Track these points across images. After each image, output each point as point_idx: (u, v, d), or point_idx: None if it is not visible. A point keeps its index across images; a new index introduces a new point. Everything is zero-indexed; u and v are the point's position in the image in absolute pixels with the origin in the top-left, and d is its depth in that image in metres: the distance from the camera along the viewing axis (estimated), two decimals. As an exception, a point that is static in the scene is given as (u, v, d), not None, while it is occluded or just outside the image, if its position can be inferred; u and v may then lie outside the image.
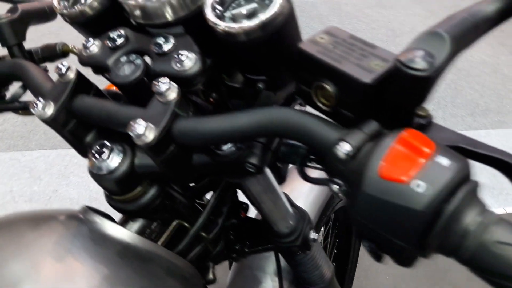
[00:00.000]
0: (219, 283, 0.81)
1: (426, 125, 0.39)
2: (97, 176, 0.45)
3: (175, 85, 0.41)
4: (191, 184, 0.56)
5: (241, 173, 0.44)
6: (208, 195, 0.60)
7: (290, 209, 0.63)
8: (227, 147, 0.44)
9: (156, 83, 0.41)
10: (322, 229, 1.25)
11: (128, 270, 0.43)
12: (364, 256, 1.80)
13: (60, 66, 0.47)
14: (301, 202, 0.91)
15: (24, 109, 0.62)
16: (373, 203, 0.29)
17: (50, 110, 0.45)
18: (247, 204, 0.65)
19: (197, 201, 0.60)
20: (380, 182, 0.29)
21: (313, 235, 0.65)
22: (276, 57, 0.43)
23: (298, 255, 0.69)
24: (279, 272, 0.76)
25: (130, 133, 0.39)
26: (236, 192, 0.62)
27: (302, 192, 0.96)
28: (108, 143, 0.46)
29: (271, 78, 0.45)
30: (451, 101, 2.90)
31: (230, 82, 0.49)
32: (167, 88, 0.40)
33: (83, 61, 0.48)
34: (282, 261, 0.77)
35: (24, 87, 0.59)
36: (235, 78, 0.49)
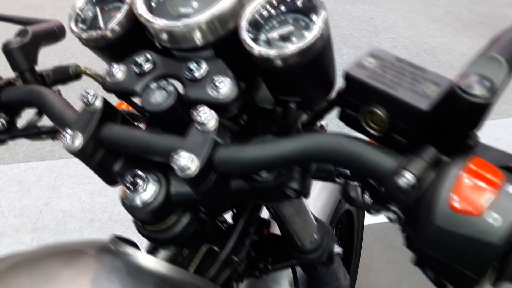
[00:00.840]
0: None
1: (473, 146, 0.39)
2: (131, 207, 0.44)
3: (214, 113, 0.40)
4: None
5: (279, 198, 0.44)
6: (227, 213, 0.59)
7: (315, 224, 0.62)
8: (266, 173, 0.43)
9: (195, 112, 0.40)
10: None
11: None
12: (363, 255, 1.81)
13: (86, 95, 0.45)
14: (311, 209, 0.91)
15: (37, 135, 0.60)
16: (443, 236, 0.29)
17: (78, 141, 0.44)
18: (269, 221, 0.64)
19: (219, 219, 0.59)
20: (451, 215, 0.28)
21: (337, 249, 0.65)
22: (311, 81, 0.43)
23: (320, 269, 0.69)
24: (296, 286, 0.76)
25: (173, 166, 0.38)
26: (260, 210, 0.61)
27: (310, 202, 0.95)
28: (142, 173, 0.45)
29: (304, 99, 0.45)
30: (436, 96, 2.95)
31: (261, 104, 0.48)
32: (208, 117, 0.39)
33: (108, 88, 0.47)
34: (298, 273, 0.76)
35: (39, 113, 0.57)
36: (266, 99, 0.48)
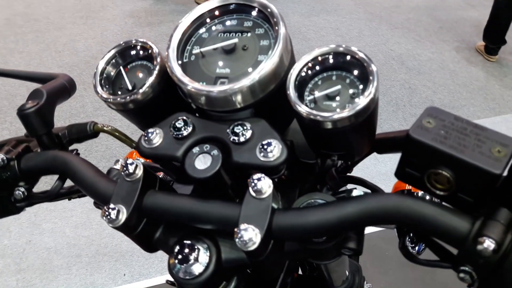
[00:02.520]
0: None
1: None
2: (183, 280, 0.42)
3: (269, 179, 0.39)
4: None
5: (335, 257, 0.43)
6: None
7: (347, 262, 0.63)
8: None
9: (250, 180, 0.39)
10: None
11: None
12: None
13: (127, 165, 0.44)
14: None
15: (57, 197, 0.57)
16: None
17: (123, 216, 0.42)
18: (297, 264, 0.64)
19: None
20: None
21: (366, 286, 0.65)
22: (358, 138, 0.43)
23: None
24: None
25: (237, 240, 0.37)
26: None
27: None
28: (191, 243, 0.43)
29: (348, 153, 0.45)
30: (408, 101, 3.04)
31: (304, 159, 0.48)
32: (264, 185, 0.39)
33: (145, 154, 0.45)
34: None
35: (63, 179, 0.54)
36: (308, 153, 0.48)
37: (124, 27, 3.57)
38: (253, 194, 0.39)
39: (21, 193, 0.53)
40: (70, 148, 0.60)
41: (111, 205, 0.42)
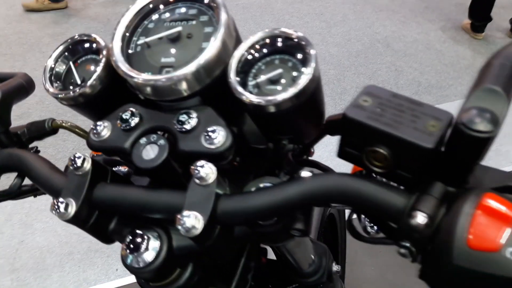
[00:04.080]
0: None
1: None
2: (134, 269, 0.43)
3: (212, 166, 0.40)
4: None
5: (284, 239, 0.44)
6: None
7: (311, 246, 0.64)
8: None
9: (194, 168, 0.39)
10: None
11: None
12: (347, 252, 1.85)
13: (75, 159, 0.44)
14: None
15: (21, 195, 0.58)
16: (463, 274, 0.29)
17: (72, 209, 0.43)
18: (265, 249, 0.65)
19: None
20: (470, 253, 0.28)
21: (335, 267, 0.66)
22: (304, 120, 0.43)
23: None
24: None
25: (179, 227, 0.37)
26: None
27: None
28: (141, 232, 0.44)
29: (297, 136, 0.45)
30: (395, 83, 3.04)
31: (253, 144, 0.48)
32: (207, 172, 0.39)
33: (95, 147, 0.46)
34: None
35: (21, 176, 0.55)
36: (258, 139, 0.48)
37: (107, 24, 3.55)
38: (197, 181, 0.39)
39: (-20, 192, 0.54)
40: (31, 145, 0.60)
41: (60, 199, 0.43)
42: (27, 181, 0.57)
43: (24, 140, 0.59)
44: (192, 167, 0.39)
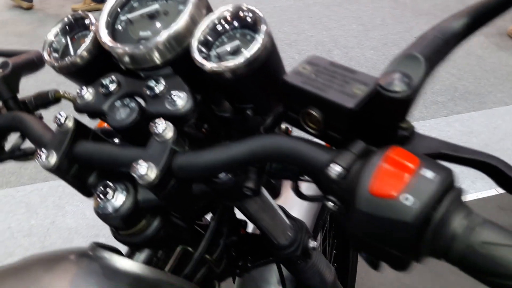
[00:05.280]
0: None
1: (409, 137, 0.43)
2: (103, 215, 0.48)
3: (171, 124, 0.44)
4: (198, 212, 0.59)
5: (239, 197, 0.48)
6: (208, 216, 0.63)
7: (287, 221, 0.66)
8: (224, 175, 0.47)
9: (153, 124, 0.44)
10: (320, 232, 1.29)
11: None
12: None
13: (58, 116, 0.50)
14: (296, 211, 0.95)
15: (23, 156, 0.65)
16: (366, 219, 0.32)
17: (53, 159, 0.48)
18: (245, 221, 0.68)
19: (198, 223, 0.64)
20: (371, 199, 0.31)
21: (312, 243, 0.68)
22: (261, 88, 0.47)
23: (299, 264, 0.73)
24: (282, 283, 0.80)
25: (133, 174, 0.42)
26: (234, 210, 0.65)
27: (296, 202, 0.99)
28: (111, 184, 0.49)
29: (258, 105, 0.49)
30: (429, 88, 2.97)
31: (219, 113, 0.52)
32: (164, 129, 0.44)
33: (79, 109, 0.51)
34: (285, 271, 0.80)
35: (23, 137, 0.62)
36: (224, 108, 0.52)
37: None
38: (156, 137, 0.44)
39: (-12, 149, 0.61)
40: (37, 113, 0.67)
41: (43, 150, 0.49)
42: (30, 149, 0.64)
43: (31, 108, 0.66)
44: (151, 123, 0.44)
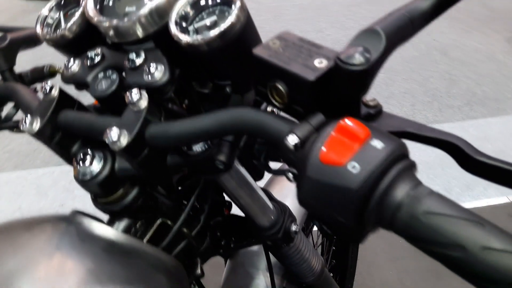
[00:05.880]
0: (214, 281, 0.86)
1: (375, 115, 0.43)
2: (82, 181, 0.50)
3: (145, 94, 0.46)
4: (179, 188, 0.60)
5: (212, 170, 0.48)
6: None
7: (269, 203, 0.67)
8: (197, 147, 0.48)
9: (128, 93, 0.45)
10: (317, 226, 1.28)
11: (113, 264, 0.48)
12: (366, 252, 1.83)
13: (45, 85, 0.52)
14: (290, 200, 0.95)
15: (17, 127, 0.67)
16: (315, 186, 0.33)
17: (37, 125, 0.50)
18: (230, 203, 0.69)
19: (184, 202, 0.65)
20: (321, 167, 0.32)
21: (294, 227, 0.69)
22: (237, 63, 0.48)
23: (283, 248, 0.73)
24: (269, 267, 0.80)
25: (106, 140, 0.43)
26: (219, 191, 0.66)
27: (290, 191, 0.99)
28: (90, 151, 0.51)
29: (236, 82, 0.49)
30: (446, 92, 2.93)
31: (199, 89, 0.53)
32: (138, 98, 0.45)
33: (65, 79, 0.53)
34: (273, 258, 0.81)
35: (17, 107, 0.64)
36: (204, 85, 0.53)
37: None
38: (130, 106, 0.45)
39: (-17, 119, 0.63)
40: (32, 87, 0.69)
41: (28, 115, 0.50)
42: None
43: (26, 81, 0.68)
44: (127, 93, 0.45)
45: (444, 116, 2.71)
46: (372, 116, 0.41)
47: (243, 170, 0.60)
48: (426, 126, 0.39)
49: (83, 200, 2.13)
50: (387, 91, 2.91)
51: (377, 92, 2.88)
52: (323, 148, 0.32)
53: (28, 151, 2.47)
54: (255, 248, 0.88)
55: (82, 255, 0.47)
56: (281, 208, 0.69)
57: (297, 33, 0.43)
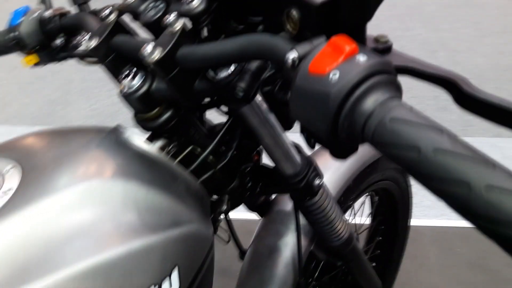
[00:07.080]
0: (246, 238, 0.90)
1: (384, 50, 0.44)
2: (124, 94, 0.56)
3: (181, 19, 0.51)
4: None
5: (233, 98, 0.52)
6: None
7: (296, 155, 0.69)
8: (222, 74, 0.52)
9: (167, 17, 0.51)
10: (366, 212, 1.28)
11: (141, 168, 0.54)
12: (417, 252, 1.76)
13: (106, 11, 0.59)
14: (330, 173, 0.96)
15: (86, 55, 0.76)
16: (301, 93, 0.35)
17: (94, 42, 0.58)
18: (260, 151, 0.73)
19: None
20: (307, 76, 0.35)
21: (318, 181, 0.70)
22: None
23: (306, 202, 0.75)
24: (297, 225, 0.82)
25: (142, 53, 0.49)
26: (249, 135, 0.69)
27: (333, 163, 1.00)
28: (134, 69, 0.57)
29: (267, 19, 0.53)
30: None
31: (236, 26, 0.57)
32: (174, 20, 0.50)
33: (122, 9, 0.60)
34: (303, 220, 0.83)
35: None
36: (241, 23, 0.57)
37: None
38: (167, 29, 0.51)
39: (61, 41, 0.73)
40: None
41: (87, 35, 0.58)
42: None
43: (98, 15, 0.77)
44: (166, 16, 0.51)
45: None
46: (380, 51, 0.43)
47: (270, 113, 0.63)
48: (430, 64, 0.40)
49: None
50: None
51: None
52: (313, 61, 0.35)
53: (111, 112, 2.70)
54: (288, 208, 0.90)
55: (118, 156, 0.54)
56: (307, 161, 0.71)
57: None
